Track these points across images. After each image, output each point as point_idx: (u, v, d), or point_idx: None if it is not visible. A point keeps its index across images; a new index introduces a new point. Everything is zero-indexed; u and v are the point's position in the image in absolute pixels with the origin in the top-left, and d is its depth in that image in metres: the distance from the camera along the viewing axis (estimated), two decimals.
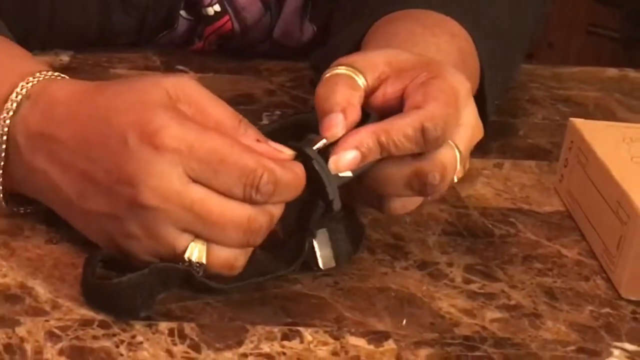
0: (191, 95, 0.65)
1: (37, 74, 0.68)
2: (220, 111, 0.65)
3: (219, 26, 0.98)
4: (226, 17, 0.97)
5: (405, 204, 0.70)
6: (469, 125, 0.68)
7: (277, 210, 0.64)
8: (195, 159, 0.62)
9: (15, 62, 0.70)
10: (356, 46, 0.84)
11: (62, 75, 0.69)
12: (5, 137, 0.67)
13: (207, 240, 0.63)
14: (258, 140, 0.65)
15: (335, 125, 0.65)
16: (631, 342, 0.66)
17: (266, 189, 0.62)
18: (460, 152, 0.67)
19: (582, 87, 1.02)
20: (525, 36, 0.92)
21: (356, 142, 0.65)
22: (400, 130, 0.65)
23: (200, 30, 0.99)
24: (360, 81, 0.68)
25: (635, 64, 1.15)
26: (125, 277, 0.62)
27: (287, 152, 0.65)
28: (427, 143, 0.65)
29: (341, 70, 0.68)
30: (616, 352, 0.65)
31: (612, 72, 1.06)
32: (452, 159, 0.67)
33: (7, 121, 0.67)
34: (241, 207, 0.62)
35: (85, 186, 0.64)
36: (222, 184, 0.62)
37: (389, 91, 0.68)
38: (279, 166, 0.63)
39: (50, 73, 0.68)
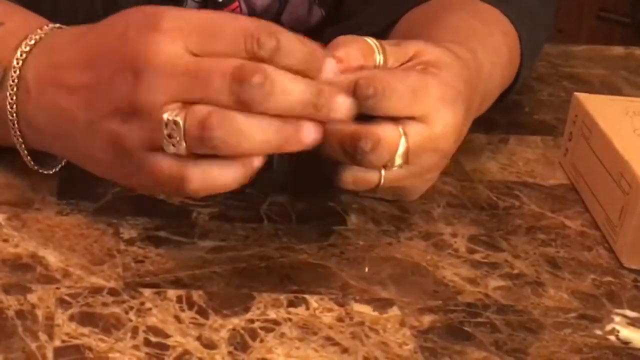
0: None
1: (51, 25, 0.70)
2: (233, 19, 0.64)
3: (229, 10, 0.99)
4: (235, 4, 0.99)
5: (354, 179, 0.68)
6: (431, 129, 0.66)
7: (273, 72, 0.61)
8: (194, 31, 0.62)
9: (30, 17, 0.73)
10: (388, 26, 0.84)
11: None
12: (16, 79, 0.68)
13: (194, 97, 0.61)
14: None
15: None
16: (632, 309, 0.66)
17: (269, 44, 0.61)
18: (407, 141, 0.66)
19: (588, 65, 1.03)
20: (549, 20, 0.93)
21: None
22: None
23: None
24: (378, 59, 0.67)
25: None
26: None
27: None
28: (357, 97, 0.63)
29: (369, 40, 0.68)
30: (617, 318, 0.66)
31: (618, 50, 1.07)
32: (392, 136, 0.65)
33: (20, 63, 0.68)
34: (230, 59, 0.61)
35: (90, 94, 0.65)
36: (223, 45, 0.61)
37: None
38: (278, 28, 0.62)
39: (64, 27, 0.71)
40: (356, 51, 0.67)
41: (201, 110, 0.61)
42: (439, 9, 0.83)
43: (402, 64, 0.68)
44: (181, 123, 0.61)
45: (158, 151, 0.63)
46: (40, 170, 0.72)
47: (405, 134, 0.66)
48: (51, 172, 0.72)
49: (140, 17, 0.64)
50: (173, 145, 0.62)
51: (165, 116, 0.61)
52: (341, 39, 0.67)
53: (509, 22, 0.83)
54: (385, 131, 0.65)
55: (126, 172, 0.66)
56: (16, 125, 0.69)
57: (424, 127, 0.66)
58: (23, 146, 0.70)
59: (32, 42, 0.69)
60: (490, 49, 0.79)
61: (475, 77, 0.72)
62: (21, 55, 0.69)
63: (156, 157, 0.63)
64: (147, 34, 0.63)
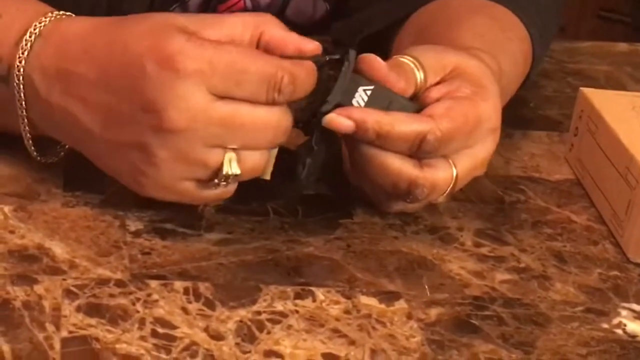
0: (207, 20, 0.66)
1: (49, 14, 0.69)
2: (240, 16, 0.66)
3: (232, 4, 0.99)
4: None
5: (402, 208, 0.72)
6: (476, 158, 0.70)
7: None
8: (216, 75, 0.63)
9: (27, 5, 0.71)
10: (395, 23, 0.84)
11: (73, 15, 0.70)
12: (22, 78, 0.68)
13: (240, 148, 0.64)
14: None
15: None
16: (639, 302, 0.66)
17: (288, 90, 0.64)
18: (457, 175, 0.69)
19: (593, 61, 1.03)
20: (557, 19, 0.93)
21: (361, 117, 0.66)
22: (402, 131, 0.66)
23: (213, 6, 1.00)
24: (419, 77, 0.69)
25: None
26: None
27: (315, 43, 0.66)
28: (420, 152, 0.67)
29: (406, 59, 0.69)
30: (624, 312, 0.66)
31: (622, 46, 1.07)
32: (446, 181, 0.69)
33: (23, 62, 0.67)
34: (268, 110, 0.65)
35: (108, 117, 0.65)
36: (246, 92, 0.64)
37: (439, 89, 0.69)
38: (294, 65, 0.64)
39: (62, 12, 0.69)
40: (401, 81, 0.68)
41: (254, 158, 0.66)
42: (461, 9, 0.83)
43: (442, 78, 0.70)
44: (240, 173, 0.65)
45: (201, 183, 0.66)
46: (43, 160, 0.72)
47: (454, 165, 0.69)
48: (55, 161, 0.72)
49: (157, 47, 0.63)
50: (226, 185, 0.66)
51: (226, 170, 0.64)
52: (379, 63, 0.68)
53: (524, 28, 0.84)
54: (441, 175, 0.68)
55: (143, 186, 0.67)
56: (25, 120, 0.69)
57: (470, 157, 0.69)
58: (30, 141, 0.70)
59: (32, 37, 0.68)
60: (510, 60, 0.80)
61: (500, 90, 0.73)
62: (23, 52, 0.68)
63: (202, 189, 0.66)
64: (166, 78, 0.63)
